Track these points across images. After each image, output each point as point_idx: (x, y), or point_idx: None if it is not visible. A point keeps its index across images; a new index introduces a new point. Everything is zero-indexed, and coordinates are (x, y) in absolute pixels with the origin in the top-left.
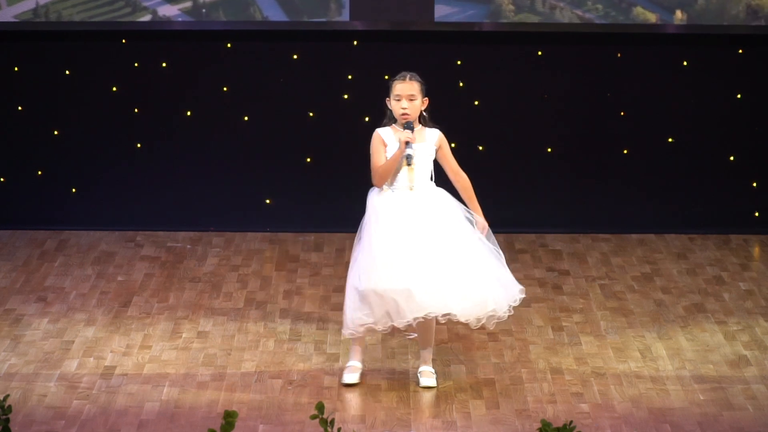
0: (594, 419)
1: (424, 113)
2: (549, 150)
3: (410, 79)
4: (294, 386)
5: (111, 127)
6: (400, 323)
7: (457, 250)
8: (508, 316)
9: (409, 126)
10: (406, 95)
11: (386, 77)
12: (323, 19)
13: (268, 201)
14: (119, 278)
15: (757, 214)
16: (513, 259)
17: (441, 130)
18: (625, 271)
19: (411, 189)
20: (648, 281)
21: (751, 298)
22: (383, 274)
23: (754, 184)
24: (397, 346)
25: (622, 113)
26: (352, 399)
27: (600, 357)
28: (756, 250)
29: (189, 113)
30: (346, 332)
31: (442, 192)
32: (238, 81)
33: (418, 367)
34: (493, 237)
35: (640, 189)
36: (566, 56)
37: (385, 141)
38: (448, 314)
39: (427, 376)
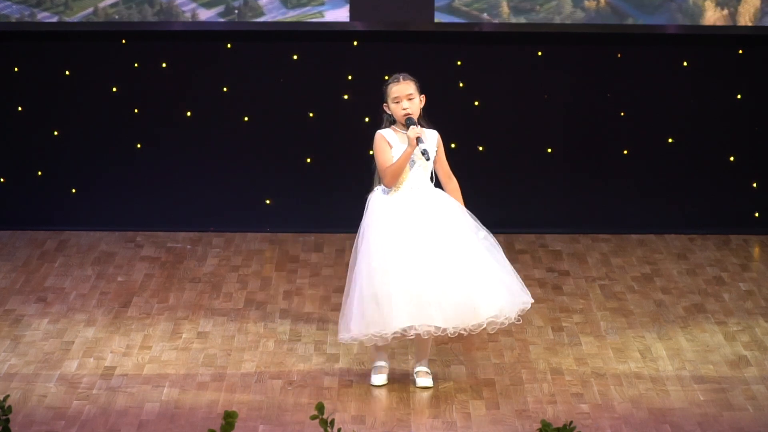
0: (594, 419)
1: (422, 114)
2: (549, 150)
3: (404, 79)
4: (294, 387)
5: (111, 127)
6: (388, 332)
7: (457, 255)
8: (513, 322)
9: (411, 122)
10: (405, 95)
11: (386, 77)
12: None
13: (268, 201)
14: (119, 278)
15: (757, 214)
16: (513, 260)
17: (438, 131)
18: (625, 272)
19: (418, 190)
20: (648, 281)
21: (751, 299)
22: (383, 280)
23: (754, 184)
24: (397, 346)
25: (622, 113)
26: (352, 399)
27: (600, 357)
28: (756, 251)
29: (189, 113)
30: (347, 337)
31: (442, 193)
32: (238, 81)
33: (413, 368)
34: (493, 238)
35: (640, 189)
36: (566, 56)
37: (390, 142)
38: (432, 327)
39: (423, 376)
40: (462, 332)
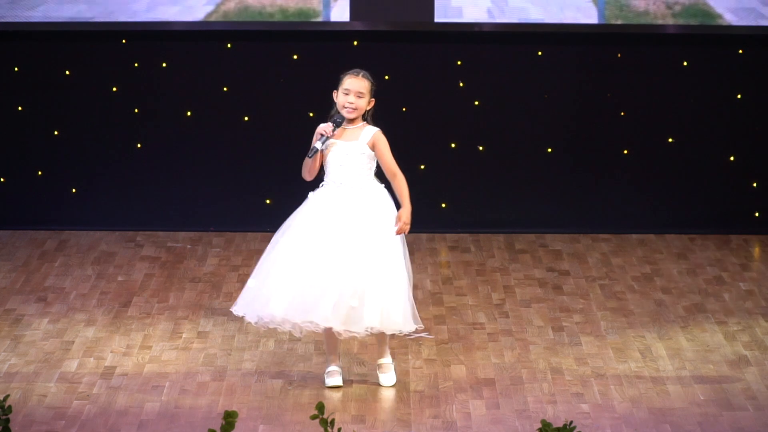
0: (594, 419)
1: (368, 113)
2: (549, 150)
3: (363, 76)
4: (294, 386)
5: (111, 127)
6: (262, 315)
7: (357, 258)
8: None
9: (336, 120)
10: (355, 91)
11: (386, 77)
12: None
13: (268, 201)
14: (119, 278)
15: (757, 214)
16: (513, 259)
17: (383, 129)
18: (625, 271)
19: (342, 186)
20: (648, 281)
21: (751, 298)
22: (273, 268)
23: (754, 184)
24: (397, 346)
25: (622, 113)
26: (353, 399)
27: (600, 357)
28: (756, 250)
29: (189, 113)
30: (235, 310)
31: (380, 192)
32: (238, 81)
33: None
34: (406, 251)
35: (640, 189)
36: (566, 56)
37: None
38: (310, 323)
39: (386, 370)
40: (346, 333)
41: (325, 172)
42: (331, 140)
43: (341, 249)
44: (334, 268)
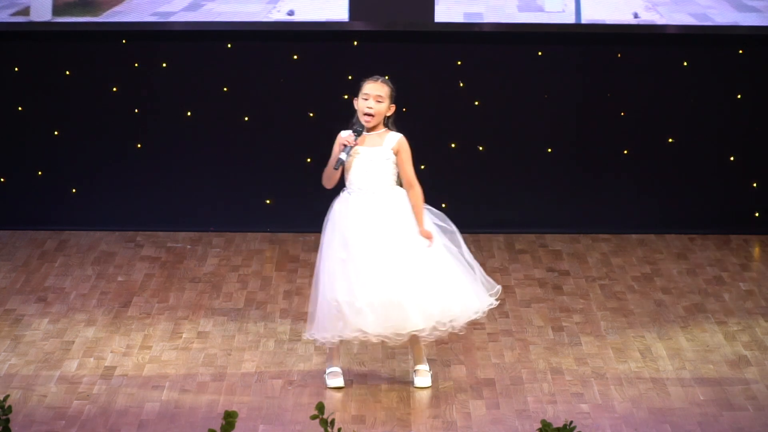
0: (594, 419)
1: (388, 118)
2: (549, 150)
3: (382, 81)
4: (294, 386)
5: (111, 127)
6: (349, 336)
7: (407, 259)
8: (477, 319)
9: (356, 129)
10: (374, 95)
11: (386, 77)
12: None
13: (268, 201)
14: (119, 278)
15: (757, 214)
16: (513, 259)
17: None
18: (625, 272)
19: (367, 192)
20: (648, 281)
21: (751, 299)
22: (338, 286)
23: (754, 184)
24: (397, 346)
25: (622, 113)
26: (353, 399)
27: (600, 357)
28: (756, 250)
29: (189, 113)
30: (318, 337)
31: (398, 197)
32: (238, 81)
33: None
34: (459, 241)
35: (640, 189)
36: (566, 56)
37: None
38: (359, 332)
39: (421, 375)
40: (386, 339)
41: (347, 179)
42: (355, 148)
43: (377, 256)
44: (376, 275)
